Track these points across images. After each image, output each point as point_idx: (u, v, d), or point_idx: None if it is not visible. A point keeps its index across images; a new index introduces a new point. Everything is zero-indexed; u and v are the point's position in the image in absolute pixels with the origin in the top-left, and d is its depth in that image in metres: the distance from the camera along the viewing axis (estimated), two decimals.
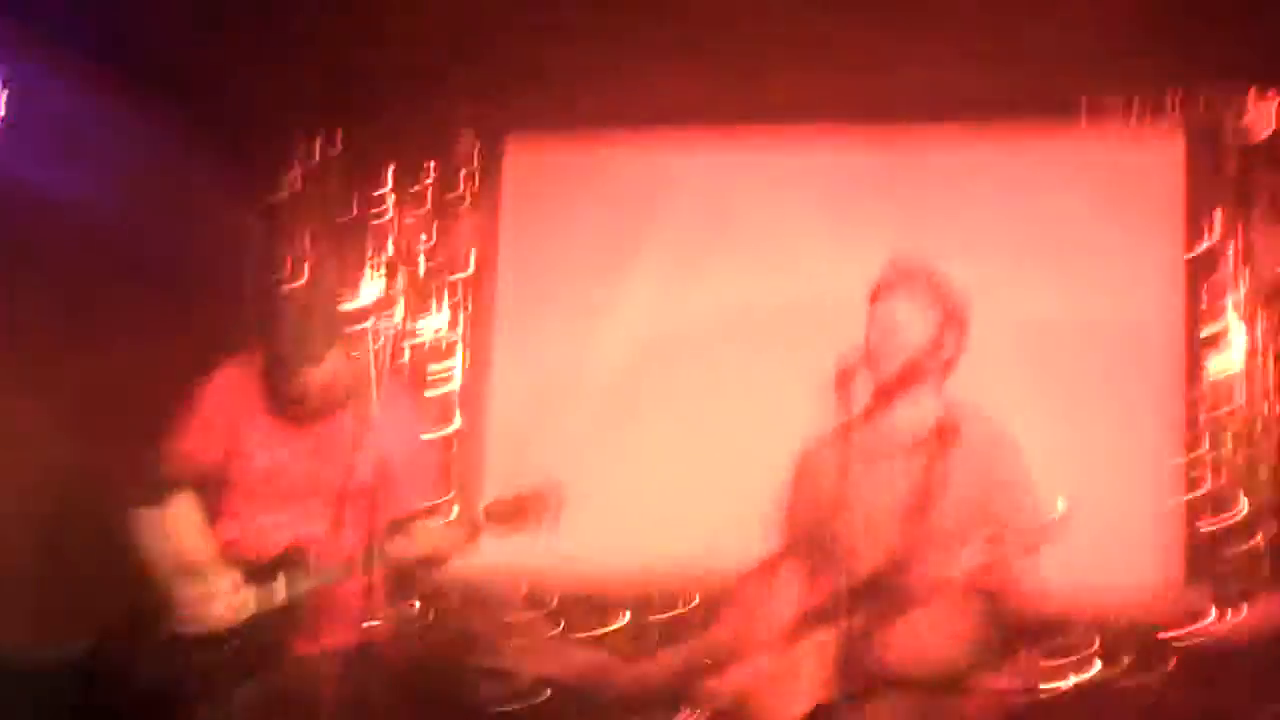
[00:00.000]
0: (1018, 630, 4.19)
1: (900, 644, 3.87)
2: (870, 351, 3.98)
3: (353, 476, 4.34)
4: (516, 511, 4.36)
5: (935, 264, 4.12)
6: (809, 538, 4.12)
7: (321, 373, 4.37)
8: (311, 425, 4.48)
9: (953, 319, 4.04)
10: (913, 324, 3.98)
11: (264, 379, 4.51)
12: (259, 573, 4.36)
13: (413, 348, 6.62)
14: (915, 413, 4.01)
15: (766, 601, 4.20)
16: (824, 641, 3.87)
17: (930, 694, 3.90)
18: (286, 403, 4.45)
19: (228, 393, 4.55)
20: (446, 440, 6.45)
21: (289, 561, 4.36)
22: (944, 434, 3.94)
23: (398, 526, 4.36)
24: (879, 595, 3.83)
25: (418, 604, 6.17)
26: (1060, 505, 3.51)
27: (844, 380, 3.80)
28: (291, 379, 4.39)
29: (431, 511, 4.45)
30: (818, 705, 3.85)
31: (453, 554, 4.43)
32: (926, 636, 3.89)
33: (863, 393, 3.92)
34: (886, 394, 4.00)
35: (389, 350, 6.35)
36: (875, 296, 4.06)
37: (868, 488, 3.93)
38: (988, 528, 3.65)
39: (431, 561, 4.43)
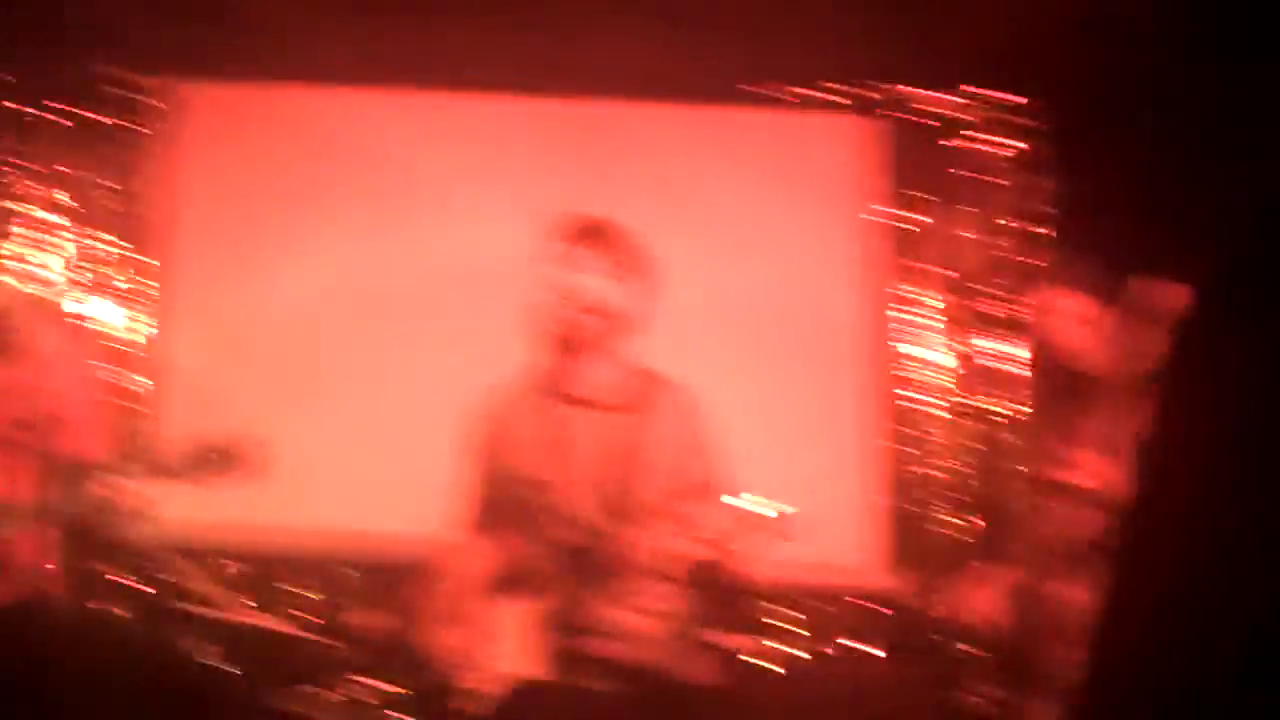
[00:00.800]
0: (729, 605, 4.08)
1: (607, 617, 3.79)
2: (552, 304, 3.83)
3: (19, 418, 4.01)
4: (221, 458, 4.05)
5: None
6: (499, 499, 3.97)
7: None
8: None
9: (637, 273, 3.90)
10: (595, 278, 3.83)
11: None
12: None
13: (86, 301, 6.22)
14: (603, 374, 3.89)
15: (460, 567, 4.01)
16: (526, 611, 3.77)
17: (637, 669, 3.80)
18: None
19: None
20: (126, 392, 6.08)
21: None
22: (635, 397, 3.86)
23: (71, 474, 4.03)
24: (584, 567, 3.76)
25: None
26: (781, 508, 3.38)
27: (533, 330, 3.64)
28: None
29: (107, 462, 4.15)
30: (520, 680, 3.73)
31: (133, 508, 4.10)
32: (634, 610, 3.81)
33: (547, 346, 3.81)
34: (570, 350, 3.86)
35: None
36: (559, 247, 3.88)
37: (560, 450, 3.83)
38: (693, 522, 3.52)
39: (109, 513, 4.09)
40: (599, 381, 3.88)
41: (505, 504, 3.94)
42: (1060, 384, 4.18)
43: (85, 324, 6.16)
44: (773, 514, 3.32)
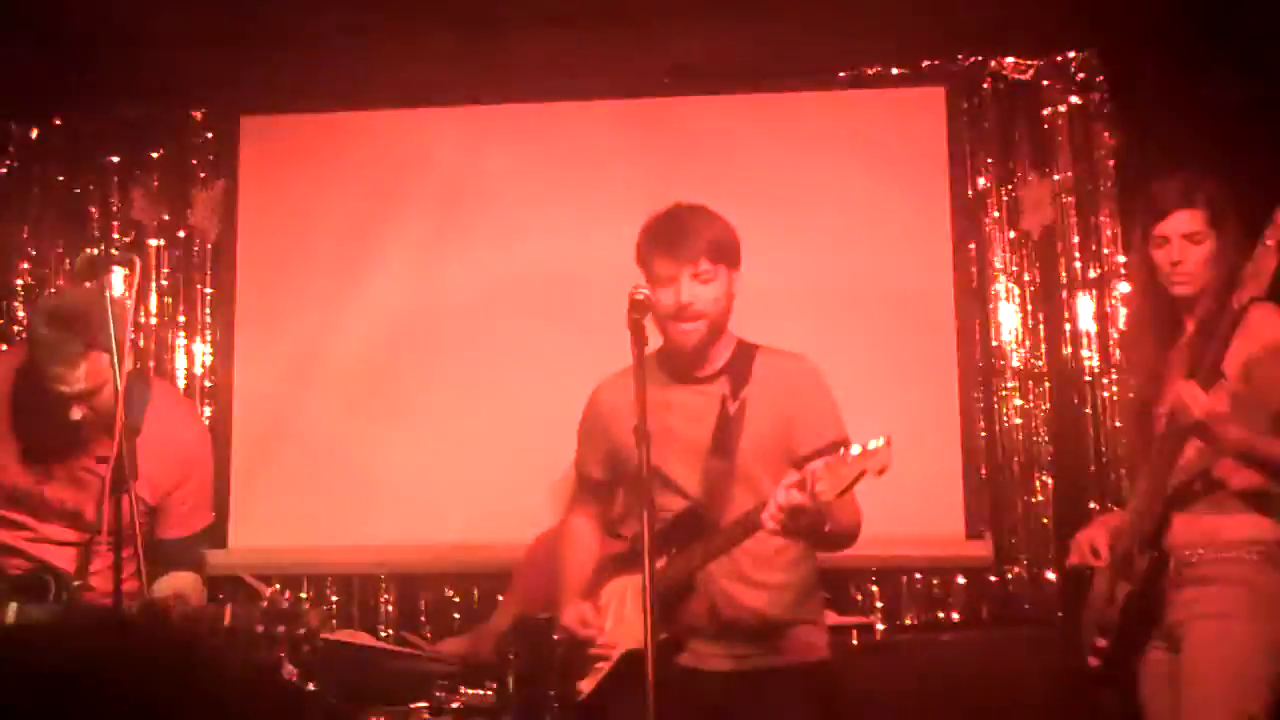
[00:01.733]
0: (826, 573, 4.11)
1: (717, 584, 3.81)
2: (675, 310, 3.82)
3: (111, 507, 3.89)
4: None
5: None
6: (606, 477, 4.08)
7: (78, 380, 3.93)
8: (67, 447, 4.06)
9: (736, 251, 3.90)
10: (710, 274, 3.83)
11: (19, 379, 4.09)
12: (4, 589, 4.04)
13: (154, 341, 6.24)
14: (705, 350, 3.90)
15: (566, 554, 4.12)
16: (634, 585, 3.79)
17: (745, 638, 3.84)
18: (39, 415, 4.02)
19: None
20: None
21: (34, 585, 3.97)
22: (737, 368, 3.87)
23: (160, 551, 4.03)
24: (692, 535, 3.78)
25: None
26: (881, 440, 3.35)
27: (638, 321, 3.60)
28: (46, 388, 3.96)
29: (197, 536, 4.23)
30: (630, 651, 3.77)
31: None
32: (743, 577, 3.82)
33: (653, 331, 3.76)
34: (673, 338, 3.88)
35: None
36: (667, 253, 3.85)
37: (672, 428, 3.83)
38: (797, 466, 3.52)
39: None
40: (702, 357, 3.89)
41: (617, 484, 4.05)
42: (1162, 317, 4.06)
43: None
44: (878, 443, 3.31)
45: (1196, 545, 3.88)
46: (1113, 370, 5.72)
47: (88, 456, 4.10)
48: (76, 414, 3.98)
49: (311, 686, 4.67)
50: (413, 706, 4.65)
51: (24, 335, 5.92)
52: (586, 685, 3.89)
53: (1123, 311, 5.64)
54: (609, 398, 4.02)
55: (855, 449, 3.35)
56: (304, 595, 5.03)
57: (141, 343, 6.16)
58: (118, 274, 4.33)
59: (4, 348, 5.93)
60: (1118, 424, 5.58)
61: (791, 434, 3.81)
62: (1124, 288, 5.64)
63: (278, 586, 5.48)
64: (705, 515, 3.81)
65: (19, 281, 6.28)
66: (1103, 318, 5.81)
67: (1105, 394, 5.76)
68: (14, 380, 4.12)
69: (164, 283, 6.29)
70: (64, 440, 4.09)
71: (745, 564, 3.81)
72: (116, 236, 6.28)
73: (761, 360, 3.91)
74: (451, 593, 5.99)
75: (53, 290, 6.09)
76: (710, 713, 3.81)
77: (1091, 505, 5.60)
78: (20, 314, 6.20)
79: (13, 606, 4.01)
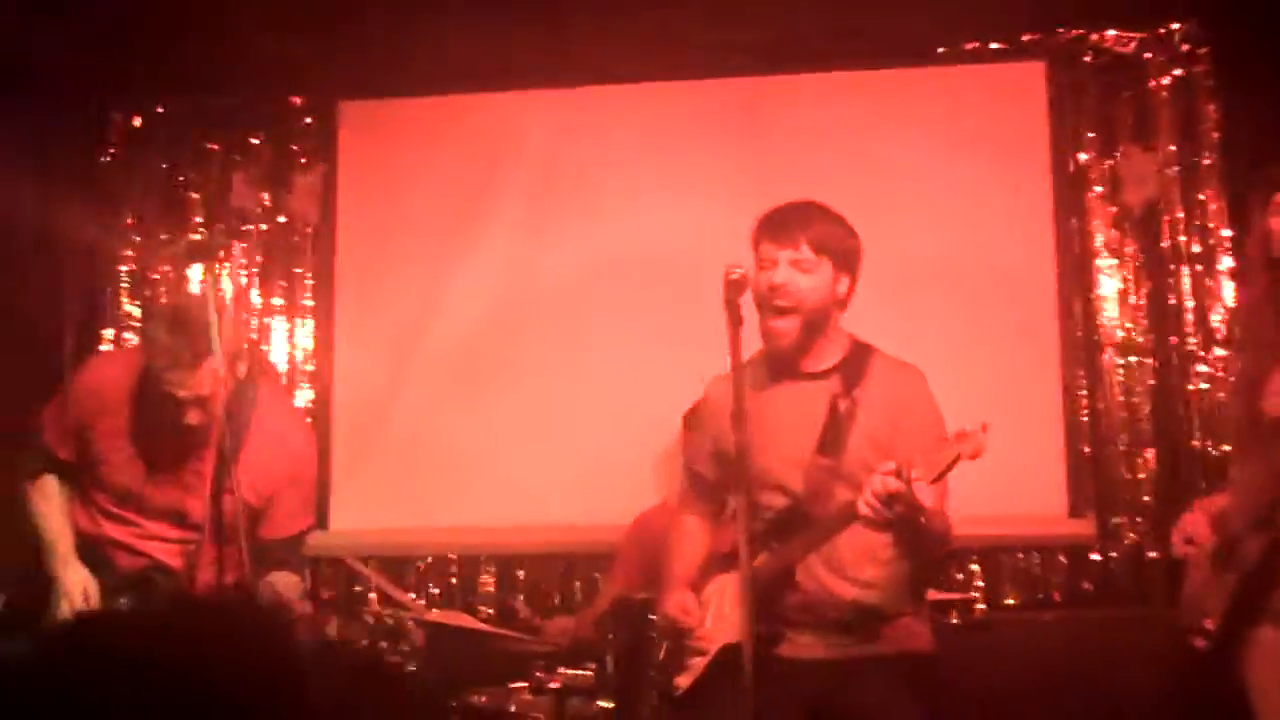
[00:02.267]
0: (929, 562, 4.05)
1: (816, 578, 3.77)
2: (766, 292, 3.79)
3: (215, 507, 4.01)
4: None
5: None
6: (716, 476, 4.02)
7: (195, 385, 3.98)
8: (181, 450, 4.13)
9: (841, 253, 3.84)
10: (797, 270, 3.78)
11: (139, 383, 4.15)
12: (117, 583, 4.09)
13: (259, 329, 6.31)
14: (813, 347, 3.85)
15: (675, 549, 4.08)
16: (735, 582, 3.73)
17: (847, 629, 3.79)
18: (156, 418, 4.08)
19: (90, 393, 4.22)
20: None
21: (142, 582, 4.04)
22: (850, 368, 3.82)
23: (264, 552, 4.08)
24: (793, 530, 3.74)
25: None
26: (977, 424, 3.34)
27: (734, 301, 3.55)
28: (164, 392, 4.02)
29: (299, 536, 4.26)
30: (727, 644, 3.75)
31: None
32: (842, 570, 3.79)
33: (750, 314, 3.71)
34: (775, 339, 3.83)
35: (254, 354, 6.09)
36: (771, 237, 3.82)
37: (777, 424, 3.79)
38: (895, 457, 3.49)
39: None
40: (810, 354, 3.85)
41: (726, 482, 3.97)
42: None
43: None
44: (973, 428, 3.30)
45: None
46: (1215, 346, 5.63)
47: (198, 460, 4.15)
48: (193, 418, 4.02)
49: (412, 668, 4.73)
50: (512, 687, 4.68)
51: (139, 329, 6.02)
52: (684, 681, 3.86)
53: (1227, 286, 5.54)
54: (719, 394, 3.96)
55: (957, 431, 3.34)
56: (407, 607, 5.06)
57: (255, 336, 6.25)
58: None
59: (131, 341, 6.02)
60: (1221, 399, 5.50)
61: (896, 442, 3.74)
62: (1228, 262, 5.54)
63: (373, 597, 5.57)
64: (808, 513, 3.77)
65: (123, 268, 6.35)
66: (1205, 293, 5.71)
67: (1208, 370, 5.66)
68: (136, 383, 4.17)
69: (260, 269, 6.34)
70: (179, 444, 4.14)
71: (845, 558, 3.77)
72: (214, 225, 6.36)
73: (877, 364, 3.87)
74: (550, 573, 6.02)
75: (165, 296, 6.16)
76: (810, 701, 3.78)
77: (1202, 485, 5.53)
78: (124, 302, 6.28)
79: (122, 603, 4.07)
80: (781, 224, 3.81)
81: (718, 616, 3.88)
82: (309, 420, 5.85)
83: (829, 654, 3.79)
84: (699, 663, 3.84)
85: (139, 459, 4.17)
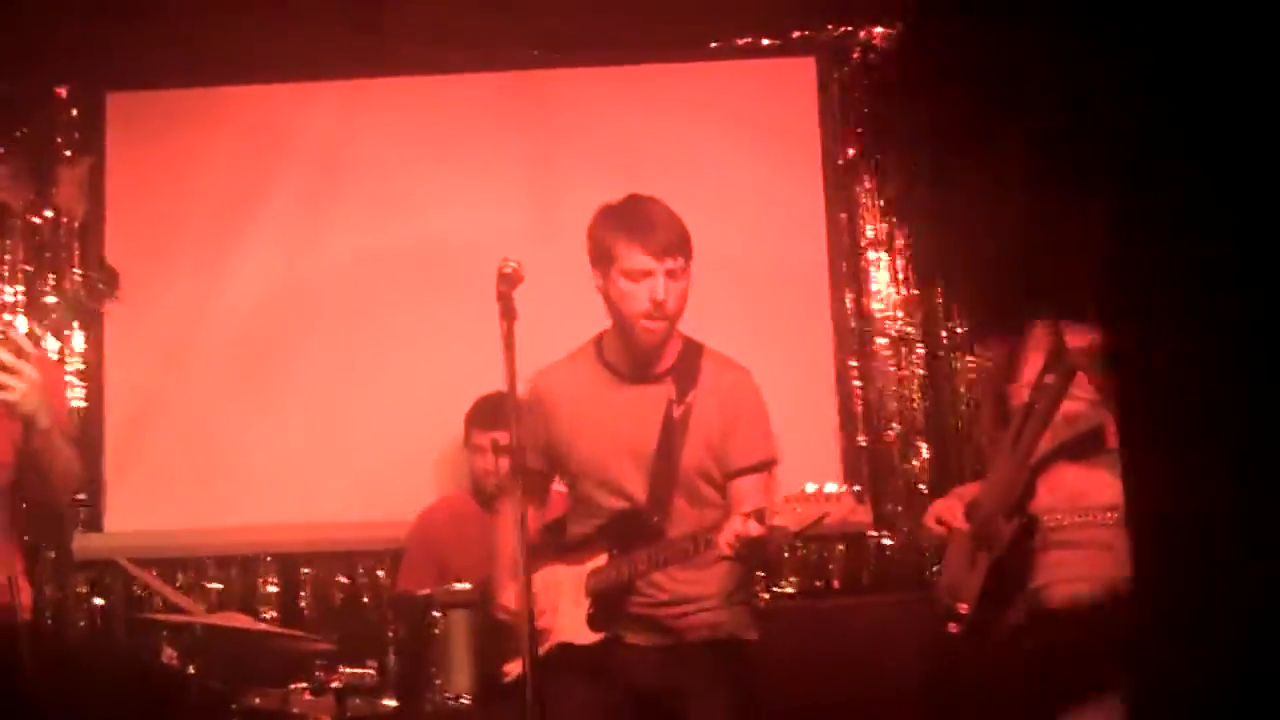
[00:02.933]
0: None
1: (656, 581, 3.83)
2: (649, 307, 3.83)
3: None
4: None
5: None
6: (543, 468, 4.04)
7: None
8: None
9: (685, 252, 3.88)
10: (682, 271, 3.87)
11: None
12: None
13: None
14: (652, 348, 3.90)
15: (500, 540, 4.07)
16: (571, 579, 3.85)
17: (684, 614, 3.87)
18: None
19: None
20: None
21: None
22: (683, 369, 3.89)
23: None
24: (633, 537, 3.80)
25: None
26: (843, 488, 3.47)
27: (507, 294, 3.56)
28: None
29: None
30: (566, 643, 3.83)
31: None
32: (680, 579, 3.85)
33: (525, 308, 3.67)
34: (628, 337, 3.89)
35: None
36: (644, 245, 3.85)
37: (615, 425, 3.87)
38: (727, 480, 3.70)
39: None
40: (649, 354, 3.89)
41: (553, 475, 4.03)
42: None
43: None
44: (837, 490, 3.39)
45: (1059, 510, 3.96)
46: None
47: None
48: None
49: (191, 670, 4.65)
50: (293, 687, 4.63)
51: None
52: (513, 668, 3.86)
53: None
54: (548, 386, 3.99)
55: (824, 486, 3.43)
56: (185, 609, 4.97)
57: None
58: None
59: None
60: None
61: (727, 446, 3.83)
62: None
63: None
64: (646, 519, 3.82)
65: None
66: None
67: (976, 361, 5.84)
68: None
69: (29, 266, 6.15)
70: None
71: (684, 570, 3.82)
72: None
73: (707, 365, 3.92)
74: (333, 571, 5.96)
75: None
76: (644, 683, 3.85)
77: (970, 475, 5.70)
78: None
79: None
80: (650, 232, 3.82)
81: (551, 609, 3.90)
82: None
83: (663, 642, 3.86)
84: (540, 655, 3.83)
85: None
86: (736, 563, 3.69)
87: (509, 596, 3.90)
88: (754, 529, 3.43)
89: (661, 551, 3.72)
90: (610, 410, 3.85)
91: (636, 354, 3.91)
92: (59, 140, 6.22)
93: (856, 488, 3.46)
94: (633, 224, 3.85)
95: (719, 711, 3.84)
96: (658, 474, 3.82)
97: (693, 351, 3.94)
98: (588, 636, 3.82)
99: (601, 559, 3.81)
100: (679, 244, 3.84)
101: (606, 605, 3.77)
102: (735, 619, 3.93)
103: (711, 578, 3.86)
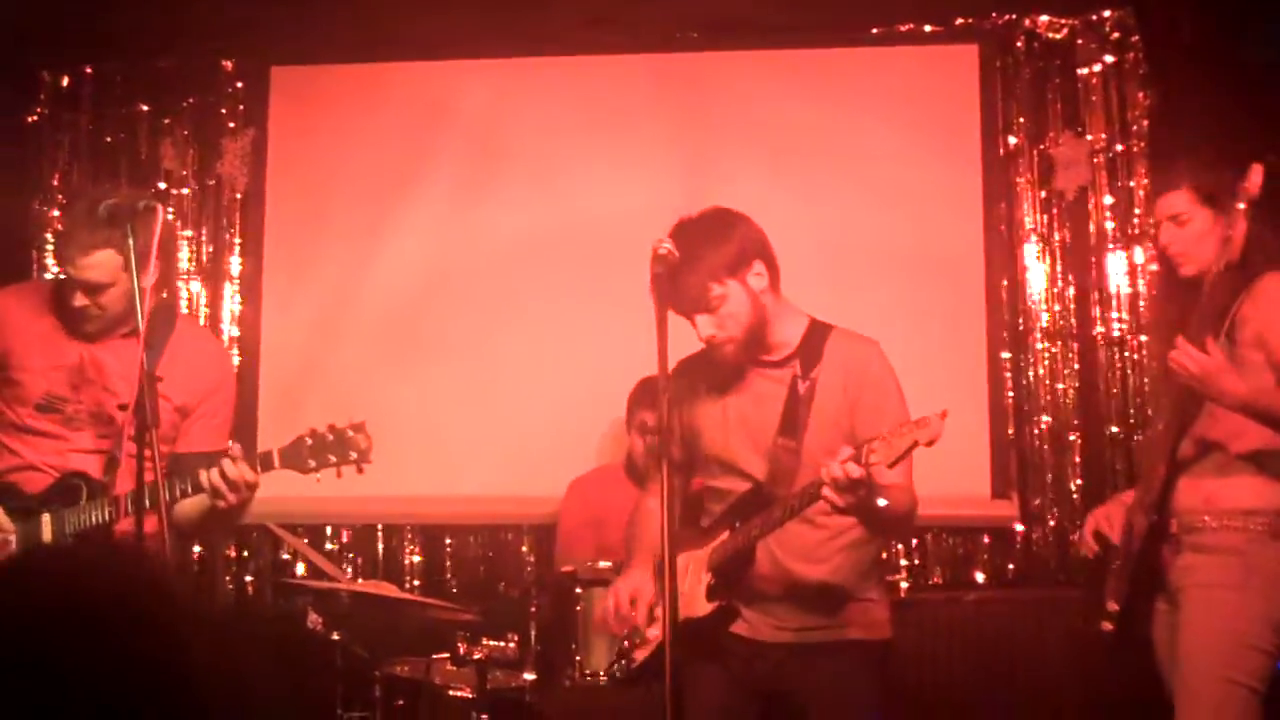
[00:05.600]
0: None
1: (776, 561, 3.77)
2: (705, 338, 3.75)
3: (133, 408, 3.78)
4: (334, 446, 4.01)
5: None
6: (686, 461, 3.97)
7: (97, 272, 3.89)
8: (93, 344, 4.04)
9: (763, 248, 3.78)
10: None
11: (51, 295, 4.07)
12: (27, 506, 3.95)
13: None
14: (772, 340, 3.82)
15: (637, 531, 4.04)
16: (696, 560, 3.80)
17: (804, 610, 3.79)
18: (68, 316, 3.99)
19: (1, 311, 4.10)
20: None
21: (57, 495, 3.95)
22: (808, 349, 3.79)
23: (181, 465, 3.98)
24: (755, 511, 3.72)
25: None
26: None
27: (661, 276, 3.52)
28: (70, 287, 3.94)
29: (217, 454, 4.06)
30: (690, 618, 3.70)
31: (239, 497, 4.01)
32: (805, 553, 3.78)
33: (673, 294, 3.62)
34: (729, 352, 3.78)
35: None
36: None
37: (740, 411, 3.81)
38: (856, 435, 3.53)
39: (216, 504, 4.01)
40: (763, 349, 3.81)
41: (688, 463, 3.96)
42: (1174, 287, 4.06)
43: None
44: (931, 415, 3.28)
45: (1200, 511, 3.88)
46: (1141, 333, 5.70)
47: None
48: (78, 300, 3.96)
49: (336, 636, 4.72)
50: (435, 657, 4.68)
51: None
52: (640, 654, 3.85)
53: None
54: (680, 373, 3.91)
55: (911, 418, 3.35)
56: (333, 576, 5.03)
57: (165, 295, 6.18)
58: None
59: None
60: (1145, 385, 5.57)
61: (856, 419, 3.75)
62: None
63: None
64: (770, 495, 3.75)
65: (48, 230, 6.28)
66: (1133, 279, 5.77)
67: (1133, 355, 5.74)
68: (55, 296, 4.09)
69: (191, 232, 6.29)
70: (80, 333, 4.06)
71: (808, 543, 3.77)
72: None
73: (834, 342, 3.82)
74: (477, 544, 6.02)
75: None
76: (764, 684, 3.81)
77: (1118, 468, 5.61)
78: (51, 264, 6.21)
79: (45, 518, 3.97)
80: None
81: (681, 593, 3.86)
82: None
83: (789, 638, 3.79)
84: (655, 636, 3.79)
85: (61, 366, 4.08)
86: (847, 514, 3.53)
87: (629, 580, 3.86)
88: (853, 470, 3.32)
89: (774, 512, 3.66)
90: (734, 394, 3.80)
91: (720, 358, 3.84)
92: (224, 112, 6.34)
93: (944, 413, 3.28)
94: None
95: (845, 713, 3.78)
96: (781, 451, 3.76)
97: (819, 332, 3.85)
98: (704, 608, 3.77)
99: (724, 536, 3.77)
100: (711, 275, 3.66)
101: (726, 576, 3.72)
102: (866, 616, 3.84)
103: (844, 564, 3.79)
